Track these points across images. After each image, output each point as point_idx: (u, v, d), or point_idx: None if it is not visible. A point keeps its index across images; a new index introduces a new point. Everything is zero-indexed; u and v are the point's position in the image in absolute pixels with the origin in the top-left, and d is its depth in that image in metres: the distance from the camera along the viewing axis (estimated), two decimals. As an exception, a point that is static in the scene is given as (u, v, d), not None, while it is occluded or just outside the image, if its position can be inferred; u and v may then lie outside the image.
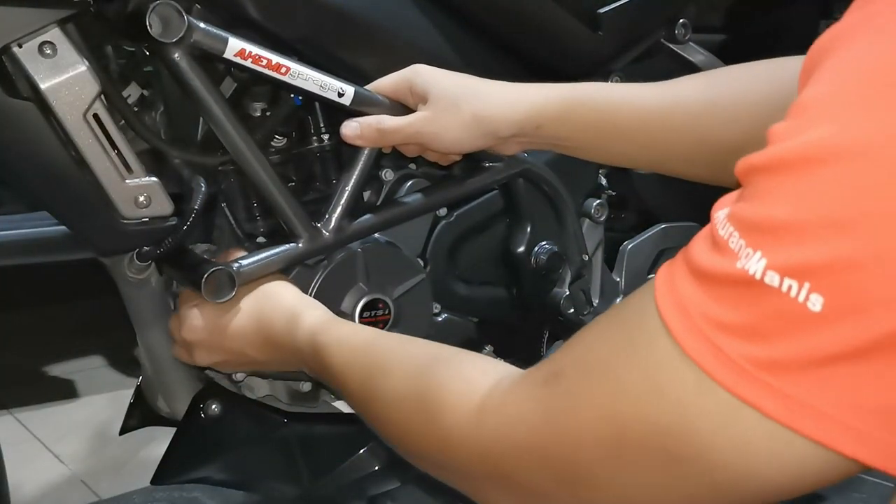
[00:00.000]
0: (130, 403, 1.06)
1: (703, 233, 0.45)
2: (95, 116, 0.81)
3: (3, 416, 1.94)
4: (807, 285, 0.39)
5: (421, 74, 0.90)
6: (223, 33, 0.82)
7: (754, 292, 0.41)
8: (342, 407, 1.03)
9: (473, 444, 0.56)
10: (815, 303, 0.39)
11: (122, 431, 1.07)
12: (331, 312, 0.84)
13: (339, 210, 0.92)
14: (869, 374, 0.39)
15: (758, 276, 0.40)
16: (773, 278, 0.40)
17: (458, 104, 0.88)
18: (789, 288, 0.39)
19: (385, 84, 0.92)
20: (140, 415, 1.06)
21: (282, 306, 0.85)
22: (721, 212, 0.44)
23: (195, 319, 0.87)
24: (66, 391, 2.05)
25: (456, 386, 0.60)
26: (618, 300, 1.20)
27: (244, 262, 0.86)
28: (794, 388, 0.40)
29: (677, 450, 0.45)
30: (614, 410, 0.47)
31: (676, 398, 0.44)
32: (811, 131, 0.40)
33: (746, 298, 0.41)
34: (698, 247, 0.45)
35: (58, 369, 2.16)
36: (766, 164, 0.42)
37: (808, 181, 0.40)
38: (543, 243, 1.10)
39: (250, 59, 0.83)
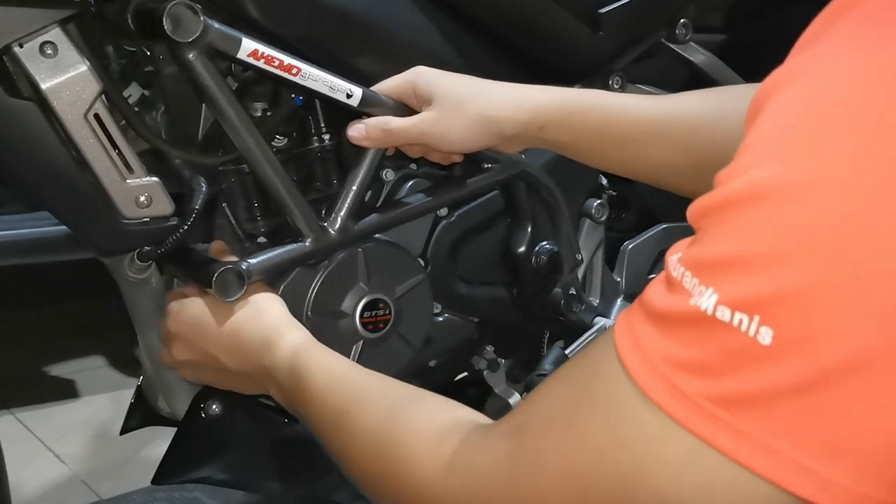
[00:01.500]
0: (131, 403, 1.06)
1: (658, 277, 0.46)
2: (96, 116, 0.81)
3: (4, 415, 1.94)
4: (756, 318, 0.39)
5: (424, 76, 0.91)
6: (237, 33, 0.82)
7: (707, 328, 0.41)
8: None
9: (443, 500, 0.56)
10: (765, 336, 0.39)
11: (123, 431, 1.07)
12: (313, 336, 0.82)
13: (344, 210, 0.92)
14: (817, 408, 0.39)
15: (709, 312, 0.41)
16: (724, 313, 0.40)
17: (463, 105, 0.88)
18: (740, 322, 0.40)
19: (388, 86, 0.92)
20: (141, 415, 1.06)
21: (266, 320, 0.84)
22: (674, 256, 0.45)
23: (181, 313, 0.87)
24: (66, 391, 2.05)
25: (426, 436, 0.60)
26: (618, 300, 1.20)
27: (252, 260, 0.86)
28: (748, 425, 0.40)
29: (640, 500, 0.45)
30: (578, 465, 0.47)
31: (638, 445, 0.44)
32: (755, 171, 0.41)
33: (700, 335, 0.41)
34: (654, 290, 0.45)
35: (58, 369, 2.16)
36: (713, 205, 0.43)
37: (752, 217, 0.40)
38: (544, 243, 1.10)
39: (263, 60, 0.83)
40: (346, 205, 0.92)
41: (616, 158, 0.92)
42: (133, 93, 0.93)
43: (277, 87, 0.96)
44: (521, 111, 0.88)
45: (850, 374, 0.38)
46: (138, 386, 1.06)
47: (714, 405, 0.41)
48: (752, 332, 0.40)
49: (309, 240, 0.90)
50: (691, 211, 0.44)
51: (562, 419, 0.49)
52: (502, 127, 0.89)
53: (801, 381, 0.39)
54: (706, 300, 0.41)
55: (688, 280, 0.42)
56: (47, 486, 1.71)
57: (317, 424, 0.74)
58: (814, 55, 0.43)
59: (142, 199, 0.84)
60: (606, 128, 0.89)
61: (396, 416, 0.64)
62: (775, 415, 0.40)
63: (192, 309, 0.87)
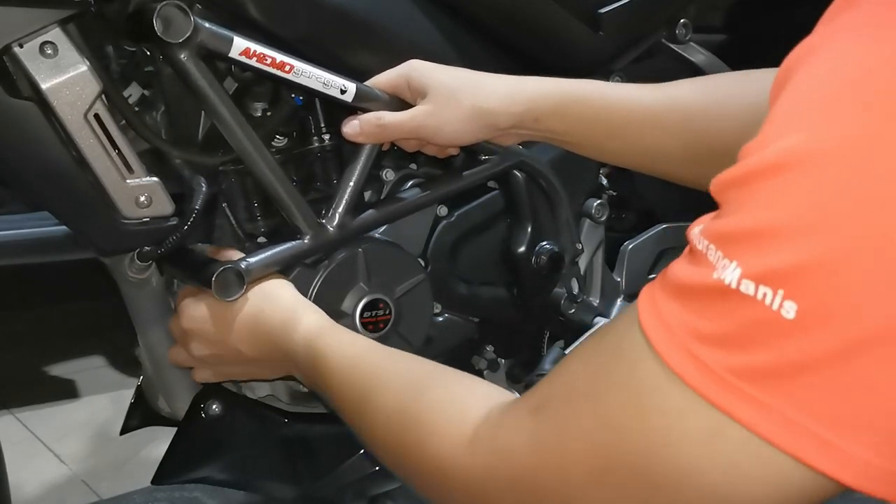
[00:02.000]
0: (131, 403, 1.06)
1: (682, 254, 0.46)
2: (96, 116, 0.81)
3: (4, 415, 1.94)
4: (780, 293, 0.39)
5: (418, 69, 0.91)
6: (228, 33, 0.83)
7: (731, 302, 0.41)
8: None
9: (466, 475, 0.56)
10: (789, 310, 0.39)
11: (123, 431, 1.07)
12: (328, 317, 0.84)
13: (342, 206, 0.92)
14: (839, 382, 0.39)
15: (733, 286, 0.40)
16: (748, 287, 0.40)
17: (458, 97, 0.88)
18: (764, 296, 0.40)
19: (382, 80, 0.92)
20: (141, 415, 1.06)
21: (280, 306, 0.85)
22: (697, 228, 0.44)
23: (195, 309, 0.87)
24: (66, 391, 2.05)
25: (449, 413, 0.60)
26: (618, 300, 1.20)
27: (251, 259, 0.86)
28: (771, 398, 0.40)
29: (662, 477, 0.44)
30: (600, 440, 0.47)
31: (660, 420, 0.44)
32: (780, 141, 0.40)
33: (724, 309, 0.41)
34: (677, 264, 0.45)
35: (58, 369, 2.16)
36: (737, 178, 0.42)
37: (777, 188, 0.40)
38: (544, 243, 1.10)
39: (255, 58, 0.83)
40: (344, 201, 0.92)
41: (611, 147, 0.92)
42: (133, 93, 0.93)
43: (277, 87, 0.96)
44: (516, 103, 0.89)
45: (873, 346, 0.38)
46: (138, 386, 1.06)
47: (737, 378, 0.41)
48: (775, 307, 0.39)
49: (307, 237, 0.90)
50: (715, 184, 0.43)
51: (585, 395, 0.48)
52: (497, 119, 0.89)
53: (823, 354, 0.39)
54: (730, 273, 0.41)
55: (712, 253, 0.42)
56: (47, 486, 1.71)
57: (340, 407, 0.74)
58: (837, 27, 0.43)
59: (142, 199, 0.84)
60: (602, 117, 0.89)
61: (419, 394, 0.64)
62: (797, 388, 0.40)
63: (206, 304, 0.87)
